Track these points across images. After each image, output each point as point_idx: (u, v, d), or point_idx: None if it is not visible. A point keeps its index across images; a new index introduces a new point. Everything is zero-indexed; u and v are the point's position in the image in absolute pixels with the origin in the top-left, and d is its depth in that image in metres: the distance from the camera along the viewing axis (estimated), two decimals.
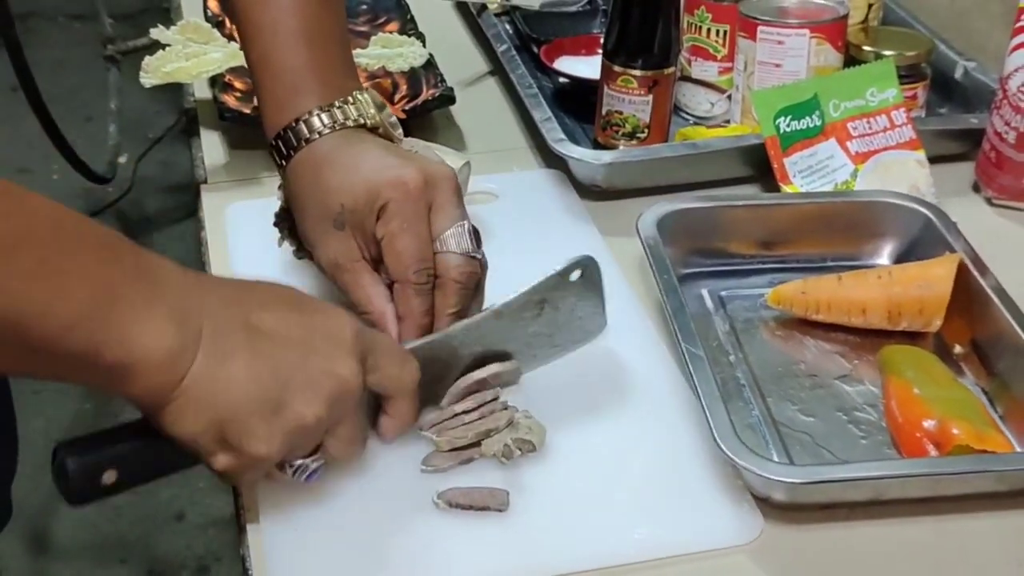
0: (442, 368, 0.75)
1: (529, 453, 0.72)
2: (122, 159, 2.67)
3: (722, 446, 0.68)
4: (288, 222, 0.83)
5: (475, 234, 0.76)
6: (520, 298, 0.75)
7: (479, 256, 0.76)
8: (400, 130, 0.83)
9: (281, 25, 0.80)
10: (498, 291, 0.78)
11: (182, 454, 0.64)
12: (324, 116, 0.77)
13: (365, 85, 0.83)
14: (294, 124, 0.77)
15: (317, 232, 0.77)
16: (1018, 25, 0.94)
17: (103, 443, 0.64)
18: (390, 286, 0.76)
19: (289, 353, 0.64)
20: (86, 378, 0.60)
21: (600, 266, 0.76)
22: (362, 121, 0.78)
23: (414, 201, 0.74)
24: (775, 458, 0.73)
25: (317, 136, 0.77)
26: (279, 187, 0.83)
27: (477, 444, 0.72)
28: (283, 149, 0.78)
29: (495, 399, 0.74)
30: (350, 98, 0.79)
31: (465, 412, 0.72)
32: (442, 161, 0.83)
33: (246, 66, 0.82)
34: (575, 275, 0.76)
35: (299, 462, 0.67)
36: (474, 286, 0.77)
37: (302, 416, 0.63)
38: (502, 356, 0.77)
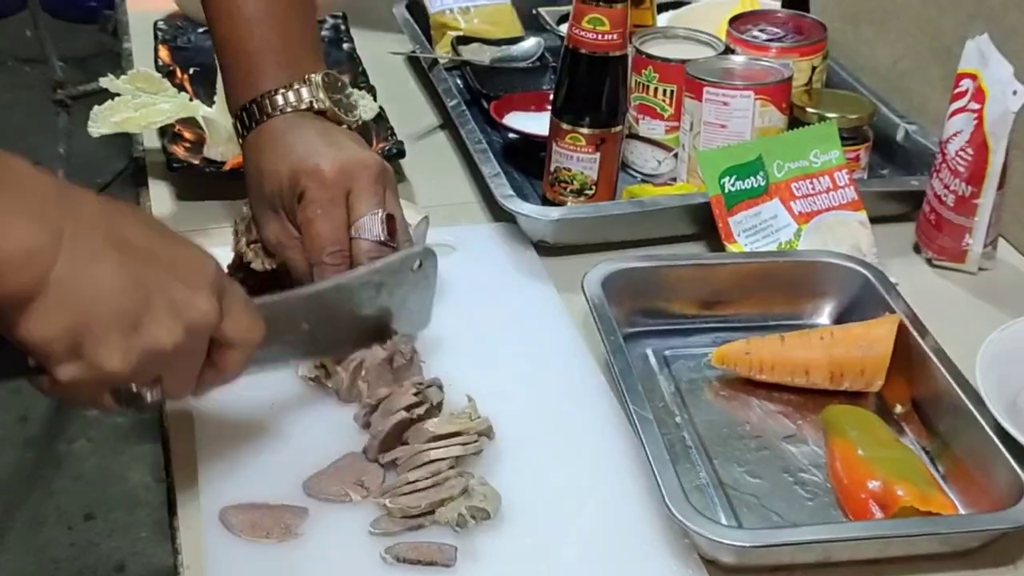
0: (274, 333, 0.73)
1: (484, 521, 0.71)
2: None
3: (673, 511, 0.68)
4: (241, 273, 0.84)
5: (390, 221, 0.79)
6: (361, 275, 0.78)
7: (393, 244, 0.79)
8: (358, 110, 0.86)
9: (245, 8, 0.84)
10: (460, 345, 0.85)
11: (20, 360, 0.62)
12: (277, 98, 0.82)
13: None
14: (248, 105, 0.83)
15: (259, 211, 0.83)
16: (957, 91, 0.97)
17: None
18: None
19: (155, 271, 0.63)
20: None
21: (437, 261, 0.81)
22: (313, 104, 0.82)
23: (329, 188, 0.78)
24: (723, 520, 0.73)
25: (265, 118, 0.82)
26: (233, 232, 0.85)
27: (431, 512, 0.71)
28: (239, 128, 0.84)
29: (451, 468, 0.73)
30: (305, 80, 0.83)
31: (419, 480, 0.72)
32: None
33: (197, 116, 0.83)
34: (415, 264, 0.80)
35: (136, 389, 0.64)
36: None
37: (160, 339, 0.62)
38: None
